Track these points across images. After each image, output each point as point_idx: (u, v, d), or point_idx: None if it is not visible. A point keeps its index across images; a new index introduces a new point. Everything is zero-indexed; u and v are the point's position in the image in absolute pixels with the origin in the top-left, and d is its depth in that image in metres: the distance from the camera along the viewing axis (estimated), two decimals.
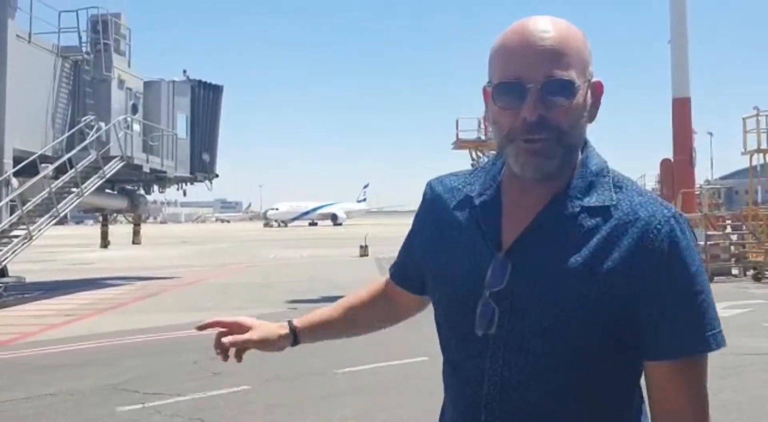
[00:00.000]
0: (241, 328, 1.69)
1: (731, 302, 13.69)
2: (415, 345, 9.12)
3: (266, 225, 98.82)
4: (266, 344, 1.69)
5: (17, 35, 16.57)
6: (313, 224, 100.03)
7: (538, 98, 1.25)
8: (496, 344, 1.31)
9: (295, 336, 1.71)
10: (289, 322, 1.71)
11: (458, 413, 1.41)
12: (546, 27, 1.28)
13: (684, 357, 1.27)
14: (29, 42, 17.15)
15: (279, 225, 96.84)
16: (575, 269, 1.26)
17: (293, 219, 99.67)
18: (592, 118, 1.35)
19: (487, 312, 1.31)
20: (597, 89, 1.35)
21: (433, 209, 1.50)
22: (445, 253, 1.43)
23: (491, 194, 1.40)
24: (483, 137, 25.49)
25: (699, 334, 1.26)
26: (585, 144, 1.37)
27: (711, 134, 50.89)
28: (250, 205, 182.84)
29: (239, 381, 7.46)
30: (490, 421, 1.32)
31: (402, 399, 6.75)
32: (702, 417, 1.31)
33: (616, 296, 1.25)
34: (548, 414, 1.30)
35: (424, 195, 1.55)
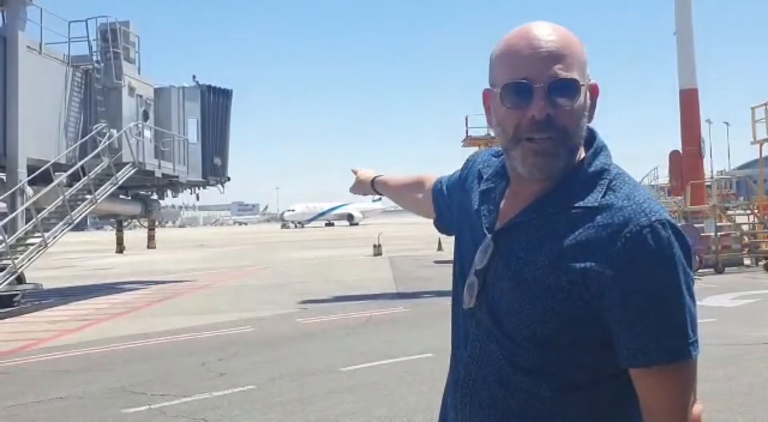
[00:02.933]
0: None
1: (740, 292, 13.69)
2: (418, 343, 9.28)
3: (283, 226, 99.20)
4: (362, 184, 2.40)
5: (28, 46, 16.85)
6: (329, 224, 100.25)
7: (546, 97, 1.33)
8: (478, 315, 1.46)
9: (372, 185, 2.35)
10: (375, 177, 2.35)
11: (450, 371, 1.58)
12: (549, 31, 1.37)
13: (650, 365, 1.30)
14: (40, 53, 17.44)
15: (296, 227, 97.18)
16: (542, 261, 1.36)
17: (310, 220, 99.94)
18: (590, 118, 1.43)
19: (472, 286, 1.47)
20: (594, 91, 1.43)
21: (470, 175, 1.69)
22: (463, 226, 1.62)
23: (496, 181, 1.54)
24: (492, 134, 25.47)
25: (664, 344, 1.29)
26: (593, 143, 1.44)
27: (727, 124, 50.33)
28: (267, 207, 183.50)
29: (245, 382, 7.62)
30: (467, 381, 1.48)
31: (402, 395, 6.86)
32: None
33: (574, 293, 1.32)
34: (519, 389, 1.40)
35: (468, 160, 1.76)
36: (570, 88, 1.35)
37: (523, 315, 1.37)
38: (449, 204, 1.80)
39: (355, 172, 2.45)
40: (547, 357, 1.37)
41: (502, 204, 1.50)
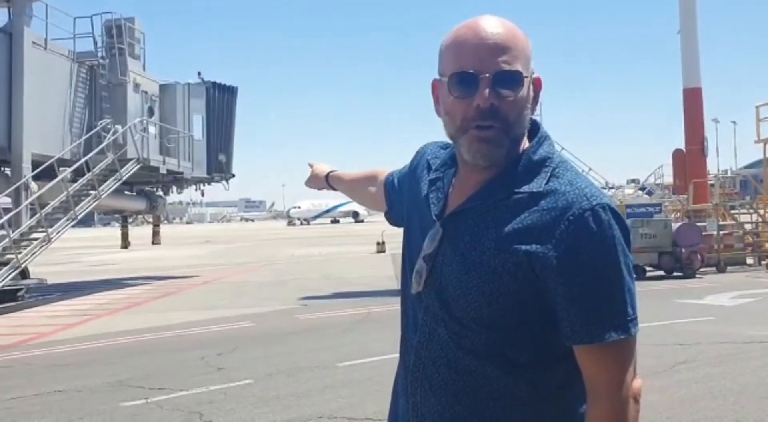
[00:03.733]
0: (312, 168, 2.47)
1: (740, 291, 13.67)
2: None
3: (289, 223, 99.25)
4: (315, 179, 2.43)
5: (33, 42, 16.95)
6: (335, 221, 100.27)
7: (490, 87, 1.39)
8: (426, 300, 1.50)
9: (327, 180, 2.36)
10: (329, 172, 2.36)
11: (400, 358, 1.63)
12: (496, 25, 1.42)
13: (593, 342, 1.35)
14: (45, 48, 17.54)
15: (302, 224, 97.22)
16: (488, 243, 1.41)
17: (315, 217, 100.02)
18: (533, 110, 1.48)
19: (420, 271, 1.51)
20: (537, 84, 1.49)
21: (419, 166, 1.72)
22: (412, 215, 1.66)
23: (444, 171, 1.59)
24: None
25: (606, 321, 1.35)
26: (537, 133, 1.50)
27: (735, 123, 50.20)
28: (273, 204, 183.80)
29: (242, 376, 7.67)
30: (417, 365, 1.52)
31: None
32: (615, 399, 1.37)
33: (520, 275, 1.38)
34: (467, 371, 1.45)
35: (418, 152, 1.78)
36: (514, 79, 1.41)
37: (471, 297, 1.42)
38: (400, 196, 1.85)
39: (311, 166, 2.49)
40: (493, 338, 1.42)
41: (450, 192, 1.55)
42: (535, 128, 1.51)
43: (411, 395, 1.54)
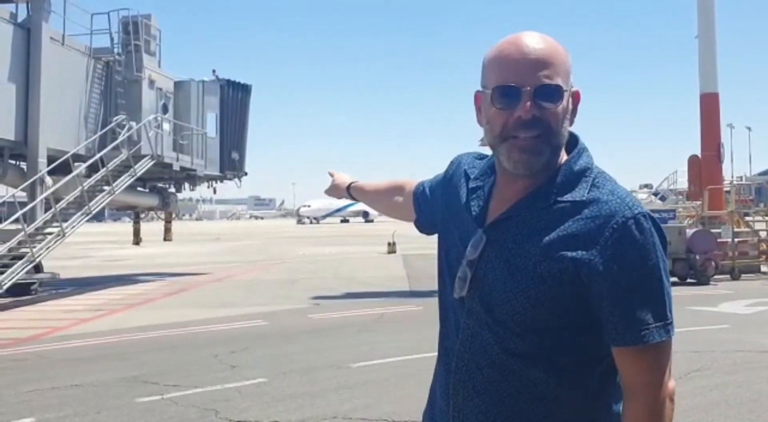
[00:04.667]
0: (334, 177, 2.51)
1: (755, 299, 13.60)
2: (429, 342, 9.27)
3: (299, 222, 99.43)
4: (336, 188, 2.46)
5: (51, 38, 17.06)
6: (344, 221, 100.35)
7: (532, 100, 1.45)
8: (469, 304, 1.55)
9: (348, 191, 2.39)
10: (351, 183, 2.39)
11: (439, 361, 1.68)
12: (538, 40, 1.49)
13: (634, 344, 1.42)
14: (63, 44, 17.65)
15: (311, 222, 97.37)
16: (533, 250, 1.47)
17: (325, 216, 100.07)
18: (572, 122, 1.54)
19: (464, 276, 1.56)
20: (575, 97, 1.55)
21: (455, 175, 1.76)
22: (448, 222, 1.70)
23: (484, 180, 1.64)
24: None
25: (646, 325, 1.42)
26: (576, 145, 1.57)
27: (749, 129, 49.90)
28: (283, 202, 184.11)
29: (256, 374, 7.69)
30: (460, 367, 1.56)
31: (411, 391, 6.88)
32: (652, 399, 1.44)
33: (565, 280, 1.44)
34: (511, 372, 1.50)
35: (453, 162, 1.83)
36: (554, 93, 1.47)
37: (516, 301, 1.47)
38: (432, 204, 1.89)
39: (331, 175, 2.54)
40: (537, 341, 1.48)
41: (490, 200, 1.61)
42: (573, 140, 1.58)
43: (452, 396, 1.58)
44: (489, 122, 1.53)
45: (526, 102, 1.45)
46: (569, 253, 1.43)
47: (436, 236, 1.84)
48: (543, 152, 1.48)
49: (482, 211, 1.59)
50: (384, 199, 2.26)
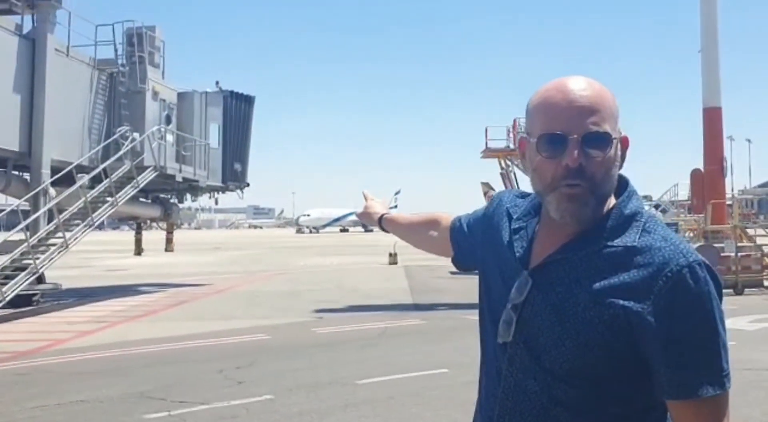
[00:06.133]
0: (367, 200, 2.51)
1: (760, 315, 13.55)
2: (434, 358, 9.28)
3: (298, 231, 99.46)
4: (368, 217, 2.44)
5: (56, 49, 17.09)
6: (344, 230, 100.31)
7: (580, 148, 1.42)
8: (513, 349, 1.50)
9: (380, 222, 2.36)
10: (383, 215, 2.36)
11: (480, 406, 1.63)
12: (584, 86, 1.46)
13: (690, 398, 1.36)
14: (67, 55, 17.69)
15: (311, 232, 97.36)
16: (583, 295, 1.42)
17: (325, 226, 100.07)
18: (620, 167, 1.51)
19: (508, 320, 1.51)
20: (624, 143, 1.52)
21: (497, 213, 1.73)
22: (489, 261, 1.66)
23: (527, 220, 1.61)
24: (512, 146, 25.47)
25: (703, 377, 1.36)
26: (627, 188, 1.53)
27: (749, 141, 49.99)
28: (282, 212, 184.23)
29: (263, 391, 7.66)
30: (502, 416, 1.52)
31: (419, 409, 6.87)
32: None
33: (616, 327, 1.39)
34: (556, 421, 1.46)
35: (493, 199, 1.80)
36: (602, 140, 1.44)
37: (564, 348, 1.43)
38: (471, 241, 1.85)
39: (365, 197, 2.52)
40: (586, 390, 1.43)
41: (534, 241, 1.56)
42: (623, 183, 1.54)
43: None
44: (536, 170, 1.50)
45: (573, 150, 1.41)
46: (621, 301, 1.38)
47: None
48: (589, 202, 1.44)
49: (526, 253, 1.55)
50: (418, 233, 2.21)
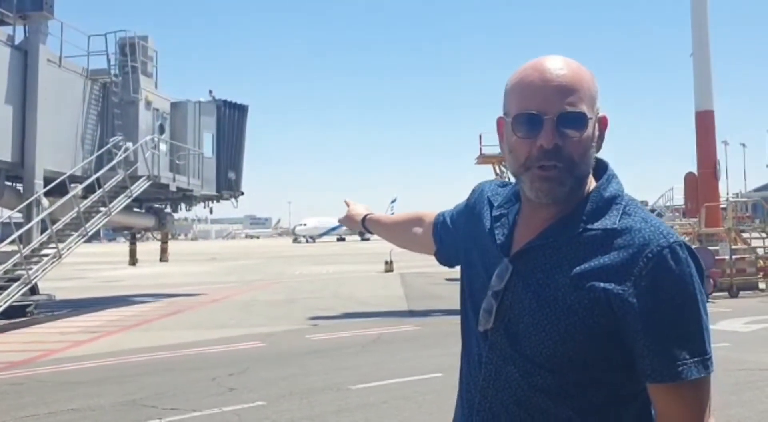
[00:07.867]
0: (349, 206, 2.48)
1: (754, 317, 13.56)
2: (428, 363, 9.25)
3: (295, 240, 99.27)
4: (351, 220, 2.41)
5: (48, 59, 17.08)
6: (341, 239, 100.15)
7: (554, 129, 1.39)
8: (493, 337, 1.48)
9: (363, 223, 2.35)
10: (366, 215, 2.35)
11: (462, 395, 1.60)
12: (561, 65, 1.43)
13: (673, 381, 1.33)
14: (60, 66, 17.67)
15: (307, 241, 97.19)
16: (563, 280, 1.40)
17: (321, 235, 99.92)
18: (598, 149, 1.49)
19: (489, 308, 1.48)
20: (602, 123, 1.49)
21: (478, 203, 1.71)
22: (471, 252, 1.64)
23: (508, 207, 1.58)
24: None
25: (685, 361, 1.33)
26: (606, 171, 1.51)
27: (744, 145, 50.06)
28: (279, 221, 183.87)
29: (255, 397, 7.62)
30: (483, 404, 1.49)
31: (411, 414, 6.85)
32: None
33: (597, 312, 1.36)
34: (539, 411, 1.43)
35: (475, 190, 1.77)
36: (578, 120, 1.41)
37: (544, 334, 1.40)
38: (454, 234, 1.83)
39: (347, 204, 2.49)
40: (567, 377, 1.40)
41: (515, 228, 1.54)
42: (602, 166, 1.51)
43: None
44: (512, 151, 1.47)
45: (548, 130, 1.39)
46: (601, 284, 1.36)
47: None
48: (566, 182, 1.41)
49: (507, 240, 1.52)
50: (401, 231, 2.18)
